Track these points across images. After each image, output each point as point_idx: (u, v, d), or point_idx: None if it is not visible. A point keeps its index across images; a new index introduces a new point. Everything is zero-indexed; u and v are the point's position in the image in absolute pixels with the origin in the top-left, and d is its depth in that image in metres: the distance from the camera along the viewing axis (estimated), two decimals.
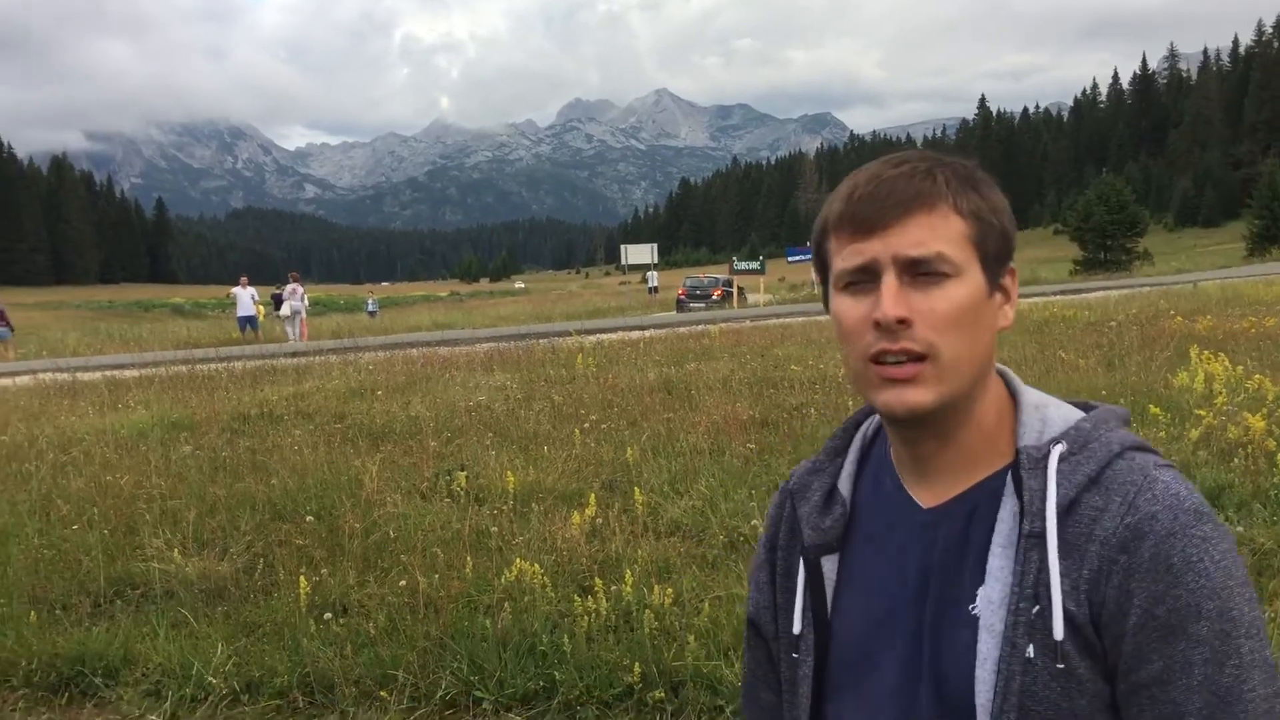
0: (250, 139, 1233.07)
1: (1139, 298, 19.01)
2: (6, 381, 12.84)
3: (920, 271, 0.90)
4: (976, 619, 0.91)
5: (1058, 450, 0.92)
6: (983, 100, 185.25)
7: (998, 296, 0.96)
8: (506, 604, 4.16)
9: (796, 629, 1.06)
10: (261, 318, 25.96)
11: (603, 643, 3.86)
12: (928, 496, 0.99)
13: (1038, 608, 0.88)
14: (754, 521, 5.16)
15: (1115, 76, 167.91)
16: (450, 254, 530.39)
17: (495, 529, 5.21)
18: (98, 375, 12.91)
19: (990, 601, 0.91)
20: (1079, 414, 0.98)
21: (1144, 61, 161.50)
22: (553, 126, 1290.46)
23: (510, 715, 3.58)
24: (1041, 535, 0.89)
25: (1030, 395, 1.00)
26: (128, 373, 13.39)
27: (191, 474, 6.56)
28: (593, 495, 5.31)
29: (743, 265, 39.61)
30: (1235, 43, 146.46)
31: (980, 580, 0.92)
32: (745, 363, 11.48)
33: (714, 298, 35.70)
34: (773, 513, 1.17)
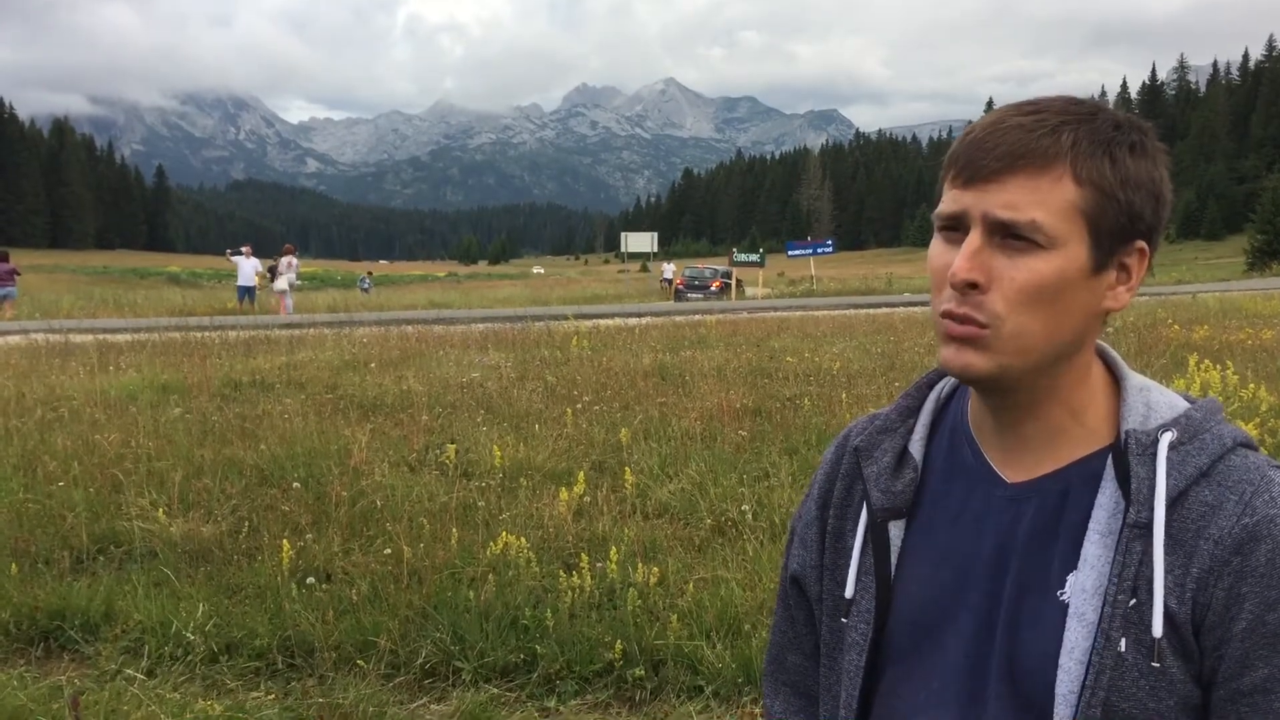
0: (253, 110, 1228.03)
1: (1137, 306, 18.99)
2: None
3: (1010, 234, 0.84)
4: (1065, 605, 0.88)
5: (1167, 438, 0.88)
6: (990, 104, 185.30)
7: (1110, 275, 0.88)
8: (490, 576, 4.15)
9: (849, 593, 1.01)
10: (261, 289, 25.81)
11: (585, 619, 3.85)
12: (1011, 470, 0.94)
13: (1134, 601, 0.85)
14: (744, 506, 5.15)
15: (1124, 85, 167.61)
16: (450, 234, 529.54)
17: (482, 503, 5.20)
18: (90, 338, 12.85)
19: (1083, 590, 0.87)
20: (1185, 402, 0.94)
21: (1153, 72, 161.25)
22: (557, 111, 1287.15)
23: (489, 686, 3.57)
24: (1148, 526, 0.85)
25: (1134, 378, 0.95)
26: (120, 337, 13.34)
27: (180, 436, 6.53)
28: (582, 474, 5.30)
29: (743, 257, 39.43)
30: (1245, 57, 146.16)
31: (1072, 566, 0.88)
32: (740, 352, 11.47)
33: (712, 289, 35.67)
34: (827, 468, 1.10)
